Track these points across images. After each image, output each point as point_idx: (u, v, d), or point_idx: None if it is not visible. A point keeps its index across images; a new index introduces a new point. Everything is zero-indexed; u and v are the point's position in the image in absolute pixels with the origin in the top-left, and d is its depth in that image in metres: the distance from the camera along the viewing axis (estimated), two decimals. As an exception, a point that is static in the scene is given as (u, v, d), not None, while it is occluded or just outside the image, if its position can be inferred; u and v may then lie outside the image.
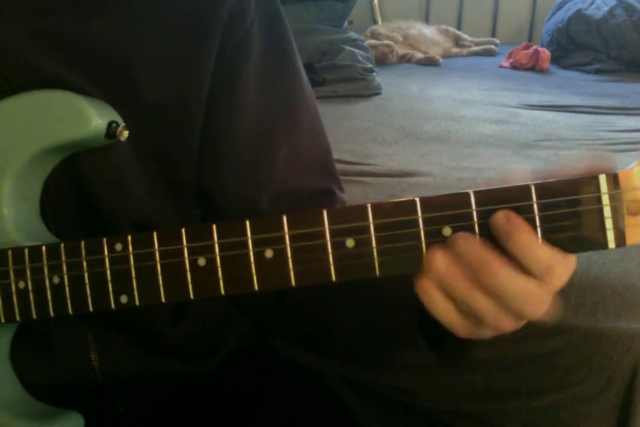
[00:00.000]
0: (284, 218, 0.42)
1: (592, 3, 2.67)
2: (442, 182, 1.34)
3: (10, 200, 0.52)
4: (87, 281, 0.47)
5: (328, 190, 0.62)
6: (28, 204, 0.53)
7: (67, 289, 0.48)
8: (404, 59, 2.70)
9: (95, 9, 0.53)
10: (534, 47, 2.65)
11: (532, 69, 2.57)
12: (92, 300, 0.47)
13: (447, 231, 0.39)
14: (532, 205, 0.38)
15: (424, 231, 0.40)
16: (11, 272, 0.50)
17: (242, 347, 0.70)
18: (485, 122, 1.80)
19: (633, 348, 0.93)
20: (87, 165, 0.54)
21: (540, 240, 0.38)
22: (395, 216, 0.40)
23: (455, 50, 2.93)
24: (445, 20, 3.19)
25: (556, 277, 0.38)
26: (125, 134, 0.52)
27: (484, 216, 0.39)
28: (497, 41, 3.04)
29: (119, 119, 0.52)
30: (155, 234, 0.45)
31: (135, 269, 0.46)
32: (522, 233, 0.38)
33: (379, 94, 2.09)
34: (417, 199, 0.40)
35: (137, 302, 0.46)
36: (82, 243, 0.47)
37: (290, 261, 0.42)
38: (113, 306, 0.47)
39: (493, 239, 0.39)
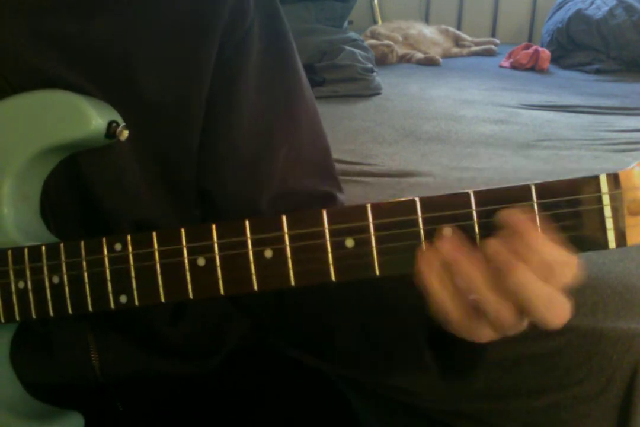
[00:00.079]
0: (284, 218, 0.42)
1: (592, 3, 2.67)
2: (442, 182, 1.34)
3: (10, 200, 0.52)
4: (86, 280, 0.47)
5: (329, 195, 0.62)
6: (28, 204, 0.53)
7: (66, 288, 0.48)
8: (404, 59, 2.70)
9: (95, 9, 0.53)
10: (534, 47, 2.65)
11: (532, 69, 2.57)
12: (91, 300, 0.47)
13: (447, 231, 0.39)
14: (532, 206, 0.38)
15: (424, 230, 0.40)
16: (11, 272, 0.50)
17: (242, 347, 0.70)
18: (485, 122, 1.80)
19: (633, 348, 0.93)
20: (87, 165, 0.54)
21: (546, 238, 0.38)
22: (395, 216, 0.40)
23: (455, 50, 2.93)
24: (445, 20, 3.19)
25: (560, 275, 0.38)
26: (125, 133, 0.52)
27: (484, 216, 0.39)
28: (497, 41, 3.04)
29: (119, 119, 0.52)
30: (154, 234, 0.45)
31: (135, 269, 0.46)
32: (530, 231, 0.37)
33: (379, 94, 2.09)
34: (417, 199, 0.40)
35: (136, 302, 0.46)
36: (82, 243, 0.47)
37: (289, 260, 0.42)
38: (112, 305, 0.47)
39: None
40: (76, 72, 0.53)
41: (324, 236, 0.41)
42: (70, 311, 0.48)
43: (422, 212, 0.40)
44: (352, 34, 2.44)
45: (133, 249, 0.46)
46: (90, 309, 0.48)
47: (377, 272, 0.41)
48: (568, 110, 1.95)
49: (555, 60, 2.67)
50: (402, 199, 0.40)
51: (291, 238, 0.42)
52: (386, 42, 2.66)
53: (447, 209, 0.39)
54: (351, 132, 1.69)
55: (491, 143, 1.62)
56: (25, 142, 0.51)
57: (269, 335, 0.71)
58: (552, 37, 2.76)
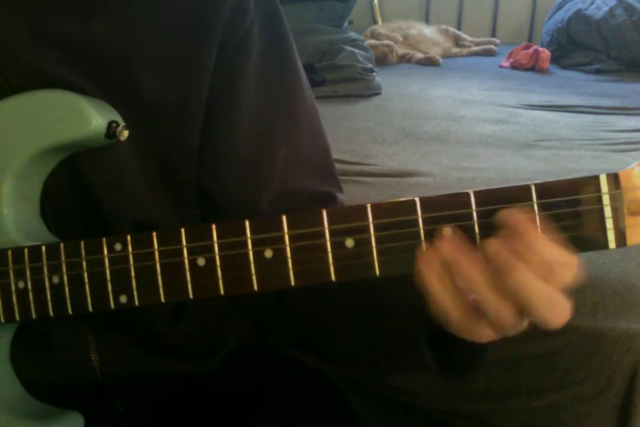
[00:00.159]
0: (284, 218, 0.42)
1: (592, 3, 2.67)
2: (442, 182, 1.34)
3: (10, 200, 0.52)
4: (86, 280, 0.47)
5: (329, 195, 0.62)
6: (28, 204, 0.53)
7: (66, 288, 0.48)
8: (404, 59, 2.70)
9: (95, 9, 0.53)
10: (534, 47, 2.65)
11: (532, 69, 2.57)
12: (91, 300, 0.47)
13: (447, 231, 0.39)
14: (532, 206, 0.38)
15: (424, 230, 0.40)
16: (11, 272, 0.50)
17: (242, 347, 0.70)
18: (485, 122, 1.80)
19: (633, 348, 0.93)
20: (87, 165, 0.55)
21: (546, 238, 0.38)
22: (395, 216, 0.40)
23: (455, 50, 2.93)
24: (445, 20, 3.19)
25: (560, 275, 0.38)
26: (125, 133, 0.52)
27: (484, 216, 0.39)
28: (497, 41, 3.04)
29: (119, 119, 0.52)
30: (154, 234, 0.45)
31: (135, 269, 0.46)
32: (530, 231, 0.37)
33: (379, 94, 2.09)
34: (417, 199, 0.40)
35: (136, 302, 0.46)
36: (82, 243, 0.47)
37: (289, 260, 0.42)
38: (112, 305, 0.47)
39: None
40: (76, 72, 0.53)
41: (324, 236, 0.41)
42: (70, 311, 0.48)
43: (422, 212, 0.40)
44: (352, 34, 2.44)
45: (133, 249, 0.46)
46: (90, 309, 0.48)
47: (377, 272, 0.41)
48: (568, 110, 1.95)
49: (555, 60, 2.67)
50: (402, 199, 0.40)
51: (291, 238, 0.42)
52: (386, 42, 2.66)
53: (447, 209, 0.39)
54: (351, 132, 1.69)
55: (491, 143, 1.62)
56: (25, 142, 0.51)
57: (269, 335, 0.71)
58: (552, 37, 2.76)
